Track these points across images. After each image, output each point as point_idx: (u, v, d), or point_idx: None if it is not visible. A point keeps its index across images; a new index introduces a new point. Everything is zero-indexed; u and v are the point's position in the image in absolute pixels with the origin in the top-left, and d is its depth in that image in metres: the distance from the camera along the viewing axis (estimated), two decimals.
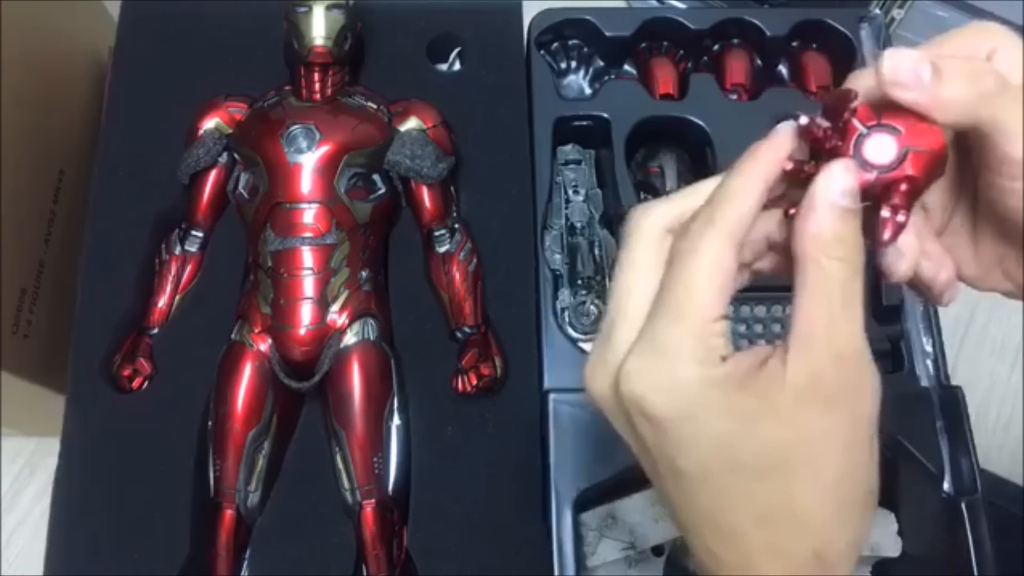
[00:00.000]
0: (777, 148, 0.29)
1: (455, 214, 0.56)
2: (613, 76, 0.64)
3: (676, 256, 0.29)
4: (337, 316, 0.51)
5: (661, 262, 0.30)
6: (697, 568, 0.31)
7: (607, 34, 0.61)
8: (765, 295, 0.55)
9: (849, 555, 0.28)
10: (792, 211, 0.29)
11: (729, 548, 0.29)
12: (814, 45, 0.62)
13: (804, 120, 0.29)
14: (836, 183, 0.28)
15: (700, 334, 0.28)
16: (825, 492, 0.28)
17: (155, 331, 0.54)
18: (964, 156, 0.31)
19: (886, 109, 0.29)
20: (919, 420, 0.51)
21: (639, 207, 0.32)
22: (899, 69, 0.28)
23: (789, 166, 0.29)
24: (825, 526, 0.28)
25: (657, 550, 0.52)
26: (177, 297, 0.55)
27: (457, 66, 0.61)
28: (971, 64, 0.28)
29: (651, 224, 0.31)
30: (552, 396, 0.50)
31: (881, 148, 0.28)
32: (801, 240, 0.28)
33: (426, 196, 0.55)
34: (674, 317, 0.28)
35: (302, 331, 0.50)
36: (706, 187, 0.30)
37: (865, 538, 0.29)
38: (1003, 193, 0.30)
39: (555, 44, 0.63)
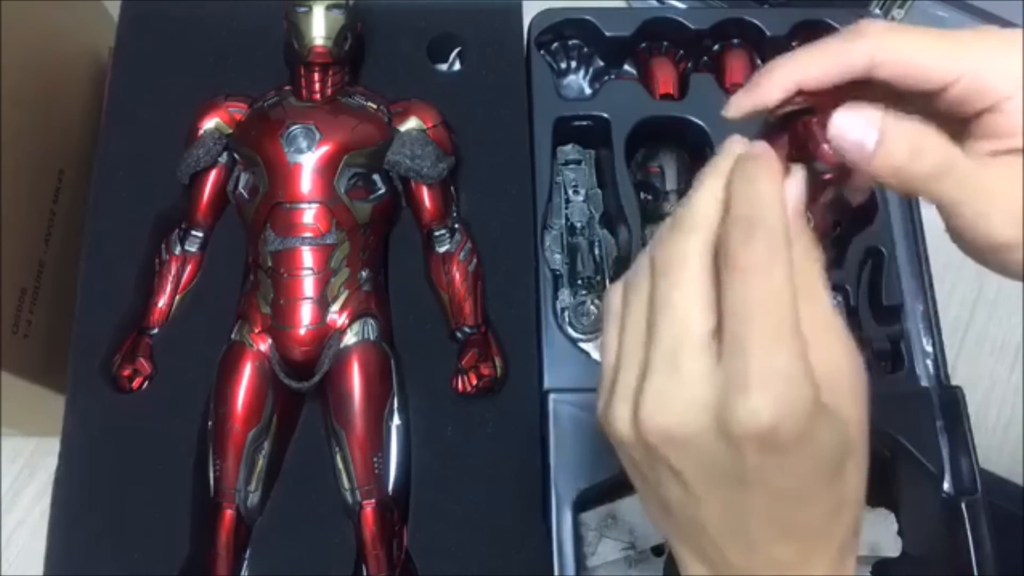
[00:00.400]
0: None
1: (455, 214, 0.56)
2: (613, 76, 0.64)
3: (749, 276, 0.28)
4: (337, 316, 0.51)
5: (712, 288, 0.29)
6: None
7: (607, 34, 0.61)
8: None
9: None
10: None
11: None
12: None
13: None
14: (793, 191, 0.30)
15: (801, 352, 0.27)
16: (861, 464, 0.29)
17: (155, 331, 0.54)
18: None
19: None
20: (919, 420, 0.51)
21: (665, 238, 0.30)
22: (845, 134, 0.30)
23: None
24: (862, 499, 0.30)
25: (657, 550, 0.52)
26: (177, 297, 0.55)
27: (457, 66, 0.61)
28: (917, 139, 0.30)
29: (693, 255, 0.29)
30: (552, 396, 0.50)
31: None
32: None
33: (426, 196, 0.55)
34: (777, 340, 0.27)
35: (302, 331, 0.50)
36: (715, 191, 0.30)
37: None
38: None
39: (555, 44, 0.63)
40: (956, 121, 0.32)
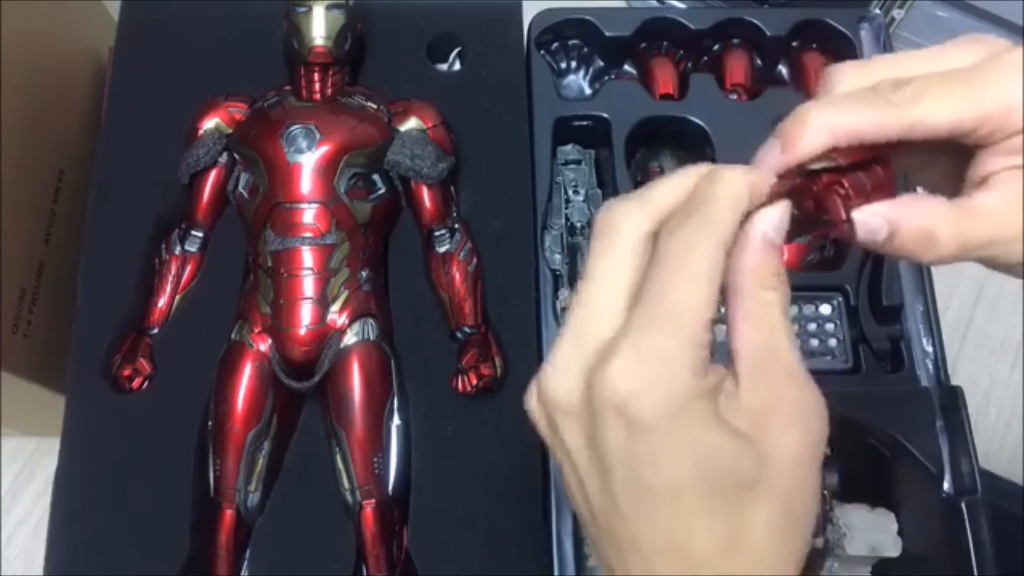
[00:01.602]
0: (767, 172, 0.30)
1: (455, 214, 0.56)
2: (613, 76, 0.64)
3: (666, 258, 0.28)
4: (337, 316, 0.51)
5: (641, 266, 0.29)
6: None
7: (607, 34, 0.61)
8: None
9: None
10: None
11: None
12: (814, 45, 0.62)
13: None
14: (769, 220, 0.29)
15: (694, 342, 0.27)
16: (782, 517, 0.27)
17: (155, 331, 0.54)
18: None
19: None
20: (919, 420, 0.51)
21: (612, 206, 0.30)
22: (862, 234, 0.30)
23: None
24: (776, 556, 0.27)
25: None
26: (177, 297, 0.55)
27: (457, 66, 0.61)
28: (929, 228, 0.30)
29: (632, 228, 0.29)
30: None
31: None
32: (738, 274, 0.29)
33: (426, 196, 0.55)
34: (668, 323, 0.27)
35: (302, 331, 0.50)
36: (679, 183, 0.30)
37: (803, 559, 0.28)
38: None
39: (555, 44, 0.63)
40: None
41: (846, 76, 0.32)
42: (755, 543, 0.27)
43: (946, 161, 0.33)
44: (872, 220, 0.30)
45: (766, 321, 0.28)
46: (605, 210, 0.30)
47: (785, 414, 0.28)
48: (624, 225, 0.29)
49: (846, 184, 0.30)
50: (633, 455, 0.27)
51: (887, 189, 0.31)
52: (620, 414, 0.27)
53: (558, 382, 0.29)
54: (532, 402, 0.30)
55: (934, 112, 0.29)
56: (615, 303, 0.29)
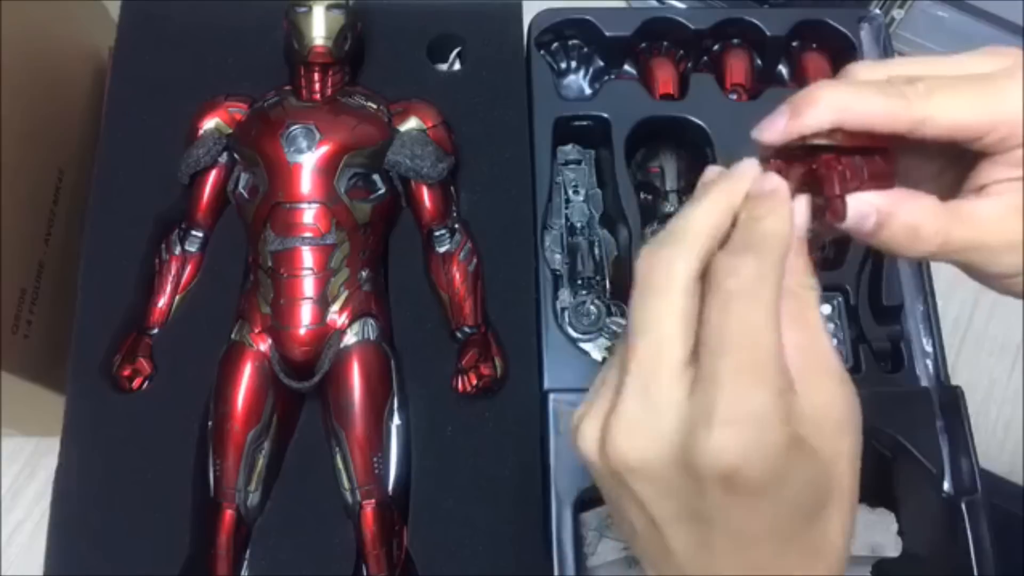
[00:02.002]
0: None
1: (455, 214, 0.56)
2: (613, 76, 0.64)
3: (733, 304, 0.27)
4: (337, 316, 0.51)
5: (695, 310, 0.28)
6: None
7: (607, 34, 0.61)
8: None
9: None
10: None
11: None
12: (814, 45, 0.62)
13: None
14: (798, 216, 0.30)
15: (779, 390, 0.26)
16: (846, 517, 0.28)
17: (155, 331, 0.54)
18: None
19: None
20: (919, 420, 0.51)
21: (655, 252, 0.29)
22: (852, 218, 0.31)
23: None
24: (845, 549, 0.28)
25: None
26: (177, 297, 0.55)
27: (457, 66, 0.61)
28: (915, 223, 0.30)
29: (683, 275, 0.28)
30: (552, 396, 0.50)
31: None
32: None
33: (426, 196, 0.55)
34: (753, 377, 0.26)
35: (302, 331, 0.50)
36: (714, 209, 0.29)
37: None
38: None
39: (555, 44, 0.63)
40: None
41: (863, 69, 0.32)
42: (832, 548, 0.28)
43: (945, 169, 0.33)
44: (862, 207, 0.30)
45: (808, 321, 0.28)
46: (649, 257, 0.29)
47: (837, 416, 0.28)
48: (675, 272, 0.28)
49: (843, 163, 0.30)
50: (733, 513, 0.27)
51: (885, 180, 0.31)
52: (726, 485, 0.26)
53: (634, 444, 0.27)
54: (588, 447, 0.29)
55: (944, 111, 0.29)
56: (679, 356, 0.27)
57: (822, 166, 0.30)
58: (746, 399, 0.26)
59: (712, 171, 0.32)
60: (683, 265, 0.28)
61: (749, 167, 0.31)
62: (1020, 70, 0.30)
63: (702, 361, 0.27)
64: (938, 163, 0.34)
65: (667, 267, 0.28)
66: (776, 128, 0.31)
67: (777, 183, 0.30)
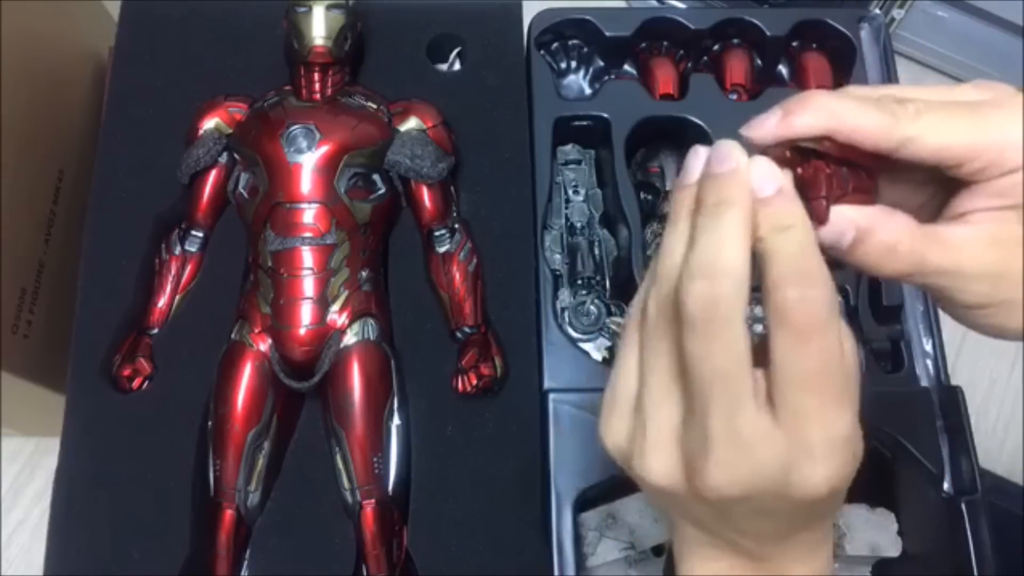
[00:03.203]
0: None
1: (455, 214, 0.56)
2: (613, 76, 0.64)
3: (807, 333, 0.27)
4: (337, 316, 0.51)
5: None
6: None
7: (607, 34, 0.61)
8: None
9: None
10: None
11: None
12: (814, 45, 0.62)
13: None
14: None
15: (855, 404, 0.28)
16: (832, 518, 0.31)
17: (155, 331, 0.54)
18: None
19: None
20: (919, 420, 0.51)
21: (717, 299, 0.27)
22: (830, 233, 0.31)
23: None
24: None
25: (657, 550, 0.52)
26: (177, 297, 0.55)
27: (457, 66, 0.61)
28: (891, 243, 0.30)
29: (741, 317, 0.28)
30: (552, 396, 0.50)
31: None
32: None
33: (426, 196, 0.55)
34: (837, 405, 0.27)
35: (302, 331, 0.50)
36: (740, 248, 0.28)
37: None
38: None
39: (555, 44, 0.63)
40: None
41: (857, 89, 0.32)
42: (825, 547, 0.31)
43: (927, 204, 0.33)
44: (841, 222, 0.30)
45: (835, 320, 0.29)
46: (711, 306, 0.27)
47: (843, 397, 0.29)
48: (733, 309, 0.27)
49: (831, 169, 0.30)
50: (815, 512, 0.30)
51: (866, 196, 0.31)
52: (822, 502, 0.28)
53: (733, 478, 0.28)
54: (664, 479, 0.29)
55: (932, 132, 0.30)
56: (751, 389, 0.28)
57: (810, 169, 0.30)
58: (835, 429, 0.27)
59: (700, 153, 0.30)
60: (735, 299, 0.27)
61: (758, 164, 0.29)
62: (1008, 100, 0.30)
63: (784, 395, 0.27)
64: (921, 196, 0.34)
65: (723, 305, 0.27)
66: (766, 127, 0.31)
67: (789, 193, 0.29)
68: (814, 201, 0.30)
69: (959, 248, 0.30)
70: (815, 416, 0.27)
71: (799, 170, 0.30)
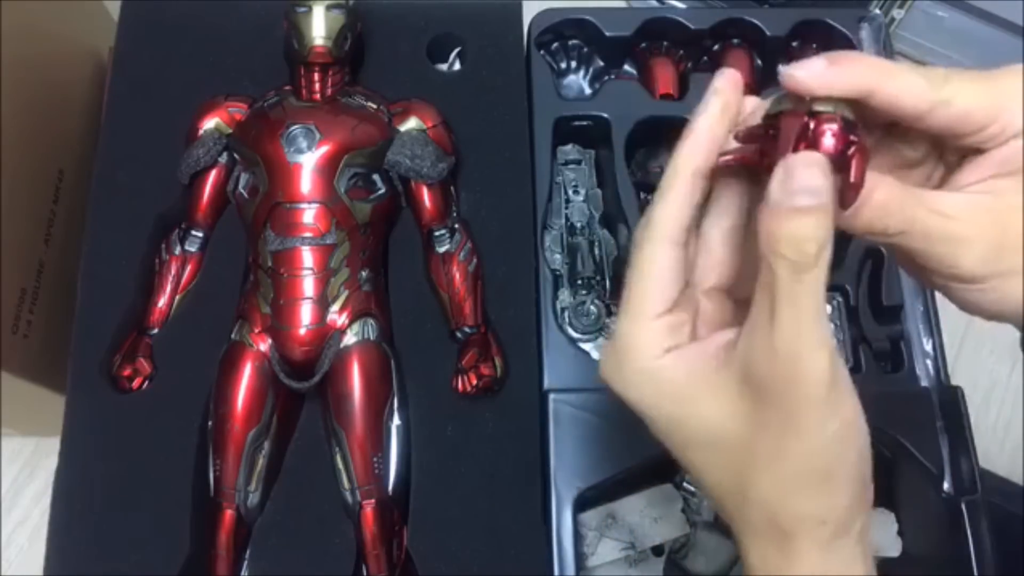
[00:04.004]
0: (696, 146, 0.32)
1: (455, 214, 0.56)
2: (613, 76, 0.64)
3: (630, 258, 0.33)
4: (337, 316, 0.51)
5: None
6: None
7: (607, 34, 0.61)
8: None
9: (812, 530, 0.30)
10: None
11: (720, 506, 0.33)
12: (814, 45, 0.62)
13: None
14: (790, 182, 0.28)
15: (647, 329, 0.31)
16: (765, 470, 0.30)
17: (155, 331, 0.54)
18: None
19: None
20: (919, 420, 0.51)
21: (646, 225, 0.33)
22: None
23: (726, 159, 0.32)
24: (771, 500, 0.30)
25: (657, 550, 0.52)
26: (177, 297, 0.55)
27: (457, 66, 0.61)
28: (883, 207, 0.30)
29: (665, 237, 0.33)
30: (552, 396, 0.50)
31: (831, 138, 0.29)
32: (759, 235, 0.28)
33: (426, 196, 0.55)
34: (628, 315, 0.32)
35: (302, 331, 0.50)
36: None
37: (834, 516, 0.29)
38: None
39: (555, 44, 0.63)
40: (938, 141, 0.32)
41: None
42: (747, 487, 0.31)
43: (932, 173, 0.34)
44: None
45: (767, 289, 0.30)
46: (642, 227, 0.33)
47: (755, 386, 0.31)
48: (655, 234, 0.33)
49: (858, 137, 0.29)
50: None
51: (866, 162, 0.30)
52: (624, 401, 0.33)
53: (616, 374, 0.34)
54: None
55: (960, 95, 0.30)
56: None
57: (801, 124, 0.29)
58: (619, 332, 0.33)
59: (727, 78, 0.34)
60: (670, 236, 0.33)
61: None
62: (1017, 69, 0.31)
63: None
64: (916, 177, 0.34)
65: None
66: (812, 70, 0.29)
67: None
68: (850, 192, 0.29)
69: (953, 214, 0.30)
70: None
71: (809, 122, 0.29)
